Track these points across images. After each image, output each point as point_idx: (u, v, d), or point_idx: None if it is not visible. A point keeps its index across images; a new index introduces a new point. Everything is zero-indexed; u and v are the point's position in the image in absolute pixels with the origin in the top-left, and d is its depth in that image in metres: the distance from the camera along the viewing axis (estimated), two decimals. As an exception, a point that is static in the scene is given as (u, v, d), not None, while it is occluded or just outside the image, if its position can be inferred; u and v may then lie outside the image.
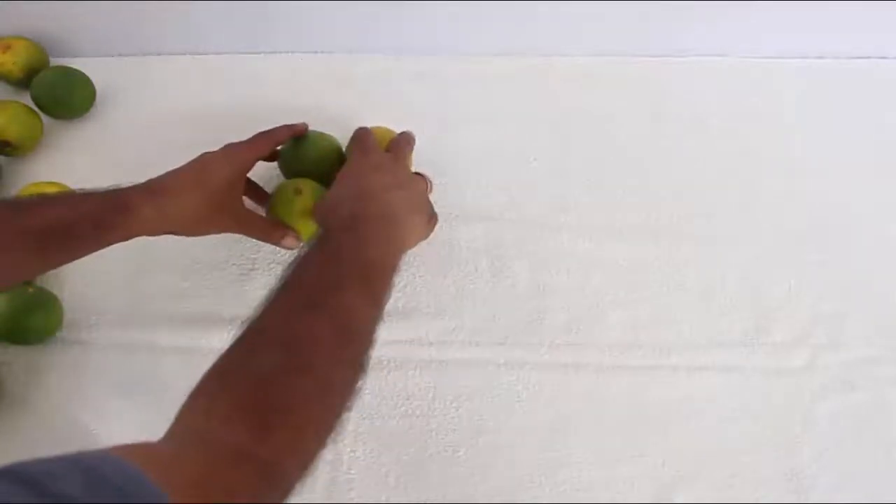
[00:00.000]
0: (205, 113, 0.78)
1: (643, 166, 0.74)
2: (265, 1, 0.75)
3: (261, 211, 0.65)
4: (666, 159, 0.74)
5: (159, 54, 0.82)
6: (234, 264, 0.68)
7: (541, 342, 0.64)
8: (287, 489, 0.38)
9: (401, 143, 0.64)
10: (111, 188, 0.55)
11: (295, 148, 0.69)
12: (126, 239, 0.54)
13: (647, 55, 0.81)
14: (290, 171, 0.69)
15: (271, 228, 0.62)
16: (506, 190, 0.72)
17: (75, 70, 0.77)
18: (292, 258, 0.65)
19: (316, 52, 0.81)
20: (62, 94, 0.76)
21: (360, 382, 0.44)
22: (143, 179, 0.73)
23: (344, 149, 0.71)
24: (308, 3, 0.76)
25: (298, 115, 0.76)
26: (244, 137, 0.75)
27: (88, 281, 0.67)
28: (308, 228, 0.65)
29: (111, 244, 0.54)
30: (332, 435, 0.42)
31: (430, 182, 0.65)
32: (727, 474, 0.59)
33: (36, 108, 0.75)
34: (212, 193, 0.57)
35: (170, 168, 0.73)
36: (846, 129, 0.76)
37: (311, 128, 0.71)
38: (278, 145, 0.65)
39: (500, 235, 0.69)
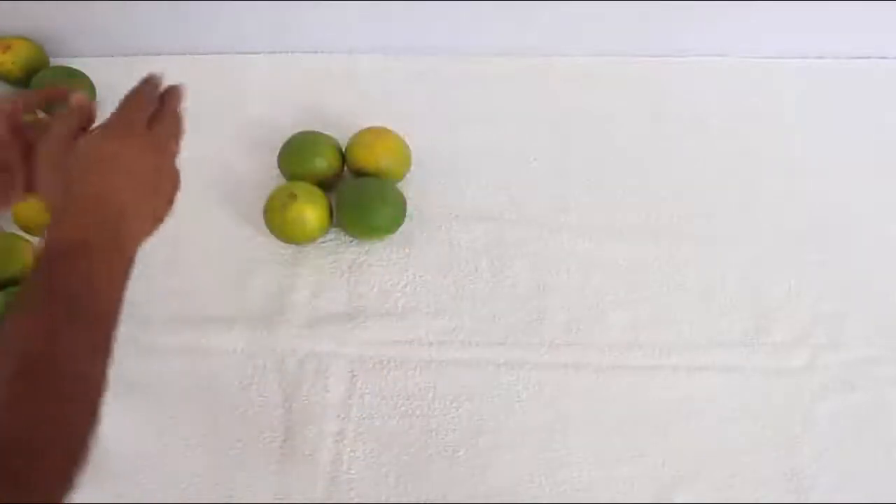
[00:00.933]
0: (205, 114, 0.78)
1: (643, 166, 0.74)
2: (264, 1, 0.75)
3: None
4: (666, 159, 0.74)
5: (158, 54, 0.82)
6: (233, 265, 0.68)
7: (541, 342, 0.64)
8: None
9: (131, 104, 0.52)
10: None
11: (293, 149, 0.69)
12: None
13: (647, 55, 0.81)
14: (289, 173, 0.69)
15: (48, 96, 0.55)
16: (506, 190, 0.72)
17: (74, 70, 0.77)
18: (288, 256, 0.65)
19: (316, 52, 0.81)
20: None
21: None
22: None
23: (344, 148, 0.71)
24: (307, 4, 0.76)
25: (300, 114, 0.77)
26: (242, 137, 0.76)
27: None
28: (301, 233, 0.65)
29: None
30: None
31: (179, 98, 0.54)
32: (727, 474, 0.59)
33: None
34: None
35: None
36: (846, 129, 0.76)
37: (310, 128, 0.72)
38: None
39: (500, 235, 0.69)
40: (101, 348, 0.42)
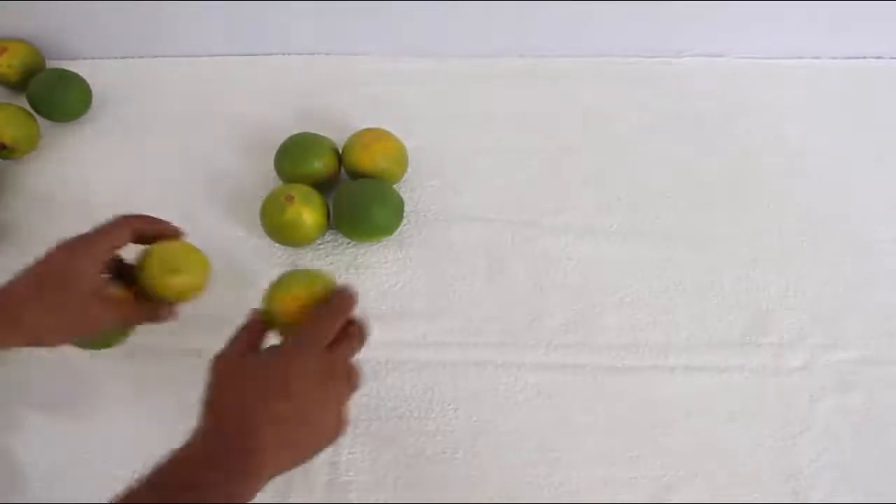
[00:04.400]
0: (201, 115, 0.78)
1: (640, 167, 0.74)
2: (262, 2, 0.75)
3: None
4: (663, 160, 0.74)
5: (155, 57, 0.82)
6: (229, 268, 0.67)
7: (539, 343, 0.64)
8: None
9: (316, 330, 0.49)
10: None
11: (290, 151, 0.69)
12: None
13: (647, 55, 0.81)
14: (285, 175, 0.69)
15: (146, 311, 0.56)
16: (503, 191, 0.72)
17: (72, 73, 0.77)
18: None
19: (314, 54, 0.81)
20: (58, 97, 0.76)
21: None
22: (139, 181, 0.73)
23: (340, 150, 0.71)
24: (306, 4, 0.76)
25: (297, 116, 0.77)
26: (239, 139, 0.76)
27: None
28: (298, 235, 0.65)
29: None
30: None
31: (361, 340, 0.52)
32: (725, 475, 0.59)
33: (32, 111, 0.75)
34: (75, 299, 0.51)
35: (166, 169, 0.74)
36: (844, 130, 0.76)
37: (307, 129, 0.71)
38: (147, 234, 0.56)
39: (498, 236, 0.69)
40: None
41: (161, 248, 0.56)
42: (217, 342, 0.64)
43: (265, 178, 0.71)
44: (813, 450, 0.59)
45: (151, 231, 0.57)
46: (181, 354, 0.63)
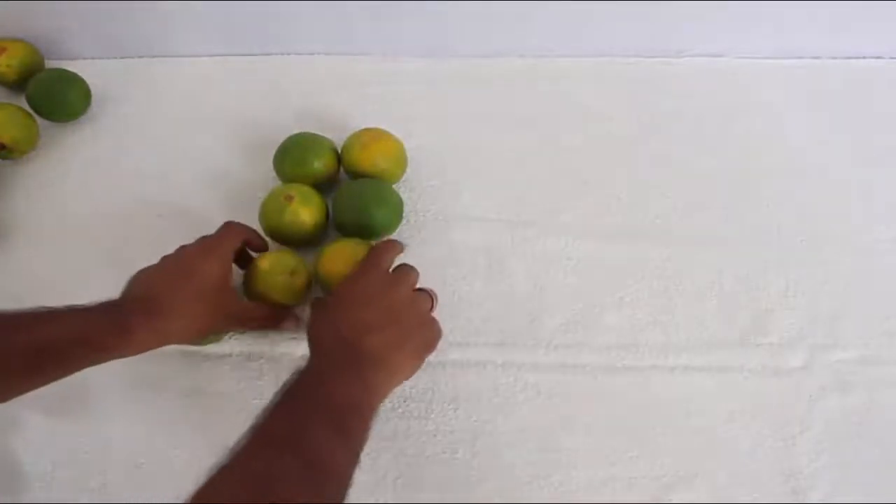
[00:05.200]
0: (201, 115, 0.78)
1: (641, 167, 0.74)
2: (262, 2, 0.75)
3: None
4: (663, 160, 0.74)
5: (155, 57, 0.82)
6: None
7: (539, 343, 0.64)
8: None
9: (404, 269, 0.58)
10: (107, 304, 0.53)
11: (289, 151, 0.69)
12: (122, 357, 0.52)
13: (646, 55, 0.81)
14: (284, 175, 0.69)
15: (269, 317, 0.61)
16: (503, 191, 0.72)
17: (71, 72, 0.77)
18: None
19: (313, 54, 0.81)
20: (58, 97, 0.75)
21: None
22: (138, 182, 0.73)
23: (340, 150, 0.71)
24: (306, 4, 0.76)
25: (296, 116, 0.77)
26: (238, 139, 0.76)
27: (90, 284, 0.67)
28: (297, 235, 0.65)
29: (106, 361, 0.52)
30: None
31: (435, 298, 0.59)
32: (725, 475, 0.59)
33: (31, 111, 0.75)
34: (211, 302, 0.56)
35: (166, 168, 0.74)
36: (843, 130, 0.76)
37: (308, 129, 0.71)
38: (247, 243, 0.62)
39: (498, 236, 0.69)
40: (352, 447, 0.47)
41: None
42: (217, 343, 0.64)
43: (265, 178, 0.71)
44: (812, 450, 0.59)
45: (255, 243, 0.62)
46: (182, 354, 0.63)
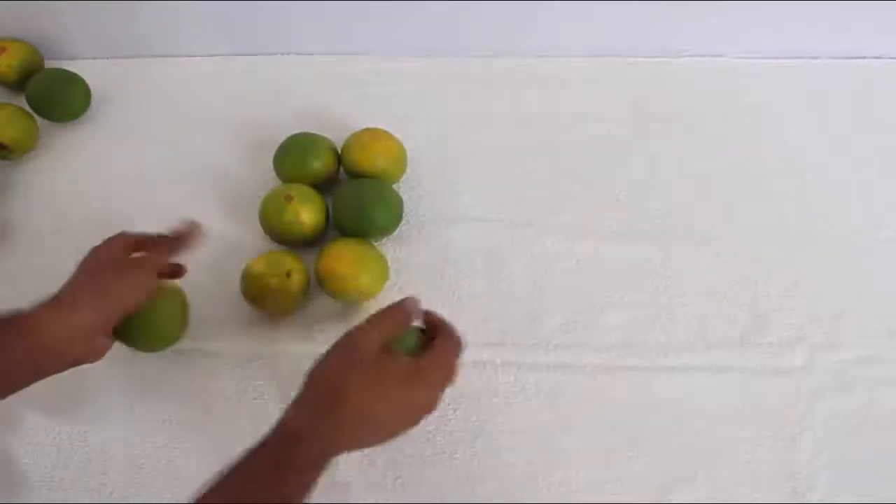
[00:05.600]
0: (201, 115, 0.78)
1: (640, 166, 0.74)
2: (261, 2, 0.75)
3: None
4: (663, 160, 0.74)
5: (155, 57, 0.82)
6: (228, 268, 0.68)
7: (538, 343, 0.64)
8: None
9: (444, 350, 0.52)
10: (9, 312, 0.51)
11: (289, 151, 0.69)
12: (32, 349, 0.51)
13: (646, 55, 0.81)
14: (284, 175, 0.69)
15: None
16: (502, 191, 0.72)
17: (70, 72, 0.77)
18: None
19: (313, 54, 0.81)
20: (57, 97, 0.75)
21: None
22: (137, 182, 0.74)
23: (339, 150, 0.71)
24: (306, 4, 0.76)
25: (296, 116, 0.76)
26: (238, 139, 0.76)
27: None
28: (297, 235, 0.65)
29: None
30: None
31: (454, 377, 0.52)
32: (725, 474, 0.59)
33: (31, 111, 0.75)
34: (100, 277, 0.55)
35: (166, 168, 0.74)
36: (843, 130, 0.76)
37: (308, 129, 0.71)
38: (141, 249, 0.59)
39: (497, 236, 0.69)
40: None
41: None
42: (217, 342, 0.64)
43: (265, 178, 0.71)
44: (812, 449, 0.59)
45: (144, 241, 0.59)
46: (181, 355, 0.63)
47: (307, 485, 0.46)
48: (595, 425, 0.61)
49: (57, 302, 0.52)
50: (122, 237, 0.58)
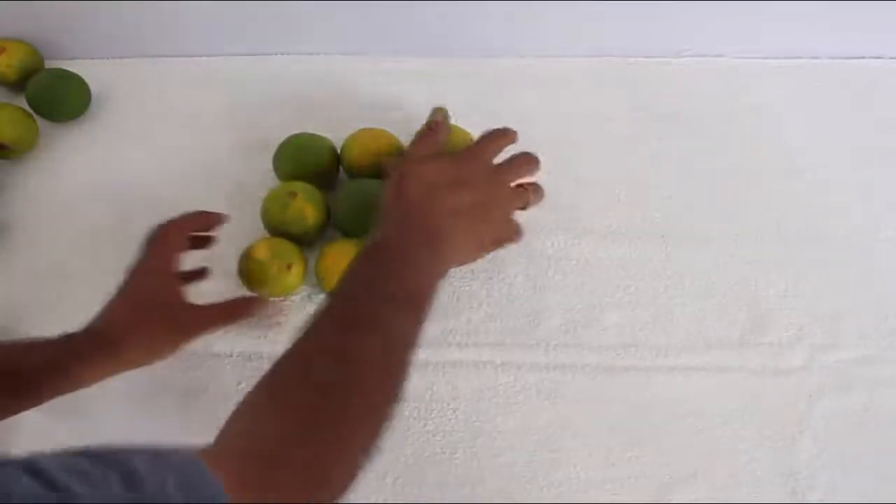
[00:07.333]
0: (200, 115, 0.78)
1: (640, 166, 0.74)
2: (263, 2, 0.75)
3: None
4: (663, 160, 0.74)
5: (155, 57, 0.82)
6: (227, 267, 0.68)
7: (538, 343, 0.64)
8: (333, 496, 0.40)
9: (514, 163, 0.59)
10: (71, 334, 0.53)
11: (288, 150, 0.69)
12: (81, 387, 0.53)
13: (646, 55, 0.81)
14: (284, 175, 0.69)
15: (231, 310, 0.59)
16: (503, 190, 0.72)
17: (71, 72, 0.77)
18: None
19: (313, 54, 0.81)
20: (57, 97, 0.75)
21: (396, 407, 0.45)
22: (138, 182, 0.73)
23: (339, 150, 0.71)
24: (306, 4, 0.76)
25: (296, 116, 0.76)
26: (238, 139, 0.76)
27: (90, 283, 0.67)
28: (300, 231, 0.65)
29: (71, 391, 0.52)
30: (374, 451, 0.43)
31: (537, 194, 0.60)
32: (725, 475, 0.59)
33: (31, 111, 0.75)
34: (160, 319, 0.55)
35: (165, 168, 0.74)
36: (842, 130, 0.76)
37: (308, 129, 0.71)
38: (196, 230, 0.60)
39: (497, 236, 0.69)
40: (420, 332, 0.48)
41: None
42: (217, 342, 0.64)
43: (265, 177, 0.71)
44: (812, 449, 0.59)
45: (201, 225, 0.60)
46: (182, 354, 0.63)
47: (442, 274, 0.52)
48: (595, 425, 0.61)
49: (134, 334, 0.54)
50: (166, 256, 0.57)
